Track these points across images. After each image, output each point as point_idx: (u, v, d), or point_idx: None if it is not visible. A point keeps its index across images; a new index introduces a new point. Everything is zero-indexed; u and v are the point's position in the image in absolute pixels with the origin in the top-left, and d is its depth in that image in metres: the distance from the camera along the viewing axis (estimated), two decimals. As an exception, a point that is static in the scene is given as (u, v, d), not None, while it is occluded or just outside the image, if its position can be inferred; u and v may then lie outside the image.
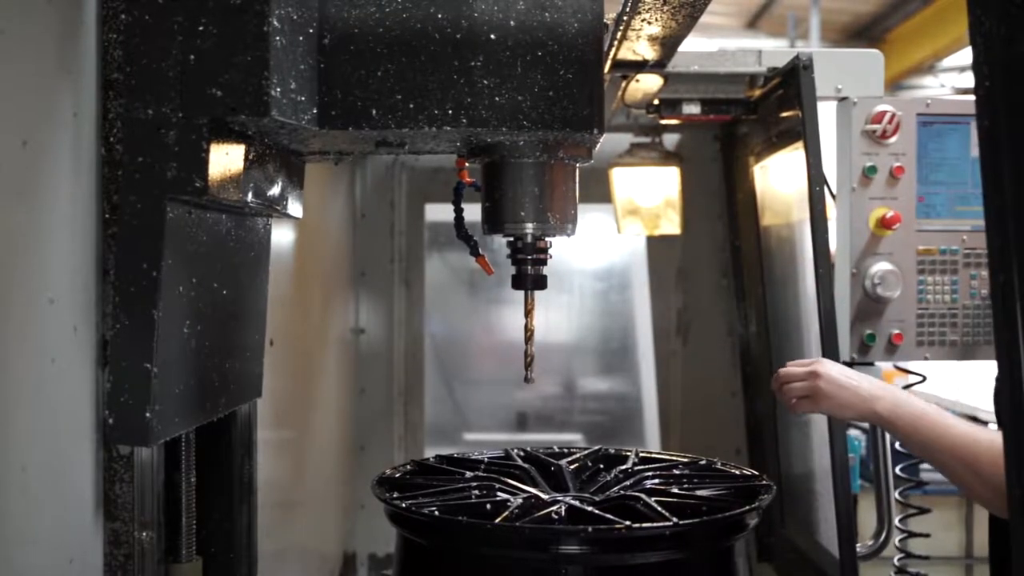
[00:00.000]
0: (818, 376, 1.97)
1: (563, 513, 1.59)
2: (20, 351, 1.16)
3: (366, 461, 3.79)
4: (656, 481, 1.84)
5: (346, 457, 3.62)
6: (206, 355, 1.49)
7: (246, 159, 1.41)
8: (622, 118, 3.50)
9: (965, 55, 8.84)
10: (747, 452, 3.68)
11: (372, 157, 3.57)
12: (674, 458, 1.99)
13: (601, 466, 1.96)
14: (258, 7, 1.30)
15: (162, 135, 1.30)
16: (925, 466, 2.28)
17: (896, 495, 2.84)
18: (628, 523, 1.51)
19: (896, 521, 2.86)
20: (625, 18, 1.94)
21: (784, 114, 2.88)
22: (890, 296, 2.67)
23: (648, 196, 3.66)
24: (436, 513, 1.60)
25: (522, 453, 2.01)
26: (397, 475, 1.85)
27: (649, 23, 1.95)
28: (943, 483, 2.07)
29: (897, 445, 2.89)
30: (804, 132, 2.57)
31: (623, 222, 3.73)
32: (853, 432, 4.13)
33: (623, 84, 2.78)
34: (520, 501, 1.66)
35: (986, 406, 1.69)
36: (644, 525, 1.52)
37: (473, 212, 1.68)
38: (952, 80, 10.20)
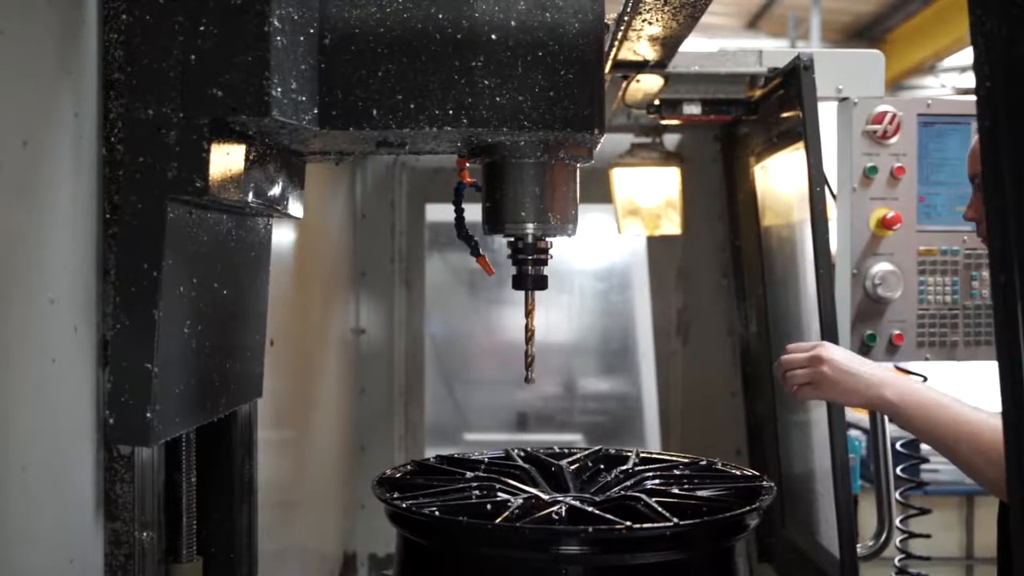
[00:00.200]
0: (821, 361, 1.90)
1: (563, 513, 1.59)
2: (20, 351, 1.16)
3: (366, 461, 3.78)
4: (656, 481, 1.83)
5: (346, 457, 3.62)
6: (206, 355, 1.49)
7: (247, 159, 1.41)
8: (623, 118, 3.50)
9: (966, 55, 8.83)
10: (747, 452, 3.68)
11: (372, 157, 3.57)
12: (674, 458, 1.98)
13: (601, 466, 1.96)
14: (259, 7, 1.30)
15: (163, 135, 1.30)
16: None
17: (897, 495, 2.84)
18: (628, 523, 1.51)
19: (897, 522, 2.86)
20: (626, 18, 1.94)
21: (785, 114, 2.87)
22: (891, 297, 2.67)
23: (649, 196, 3.66)
24: (436, 513, 1.59)
25: (522, 453, 2.00)
26: (397, 475, 1.85)
27: (650, 23, 1.95)
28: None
29: (898, 445, 2.90)
30: (805, 132, 2.57)
31: (624, 222, 3.73)
32: (854, 432, 4.12)
33: (624, 84, 2.78)
34: (520, 501, 1.65)
35: (986, 406, 1.69)
36: (644, 526, 1.52)
37: (474, 212, 1.67)
38: (953, 80, 10.19)
